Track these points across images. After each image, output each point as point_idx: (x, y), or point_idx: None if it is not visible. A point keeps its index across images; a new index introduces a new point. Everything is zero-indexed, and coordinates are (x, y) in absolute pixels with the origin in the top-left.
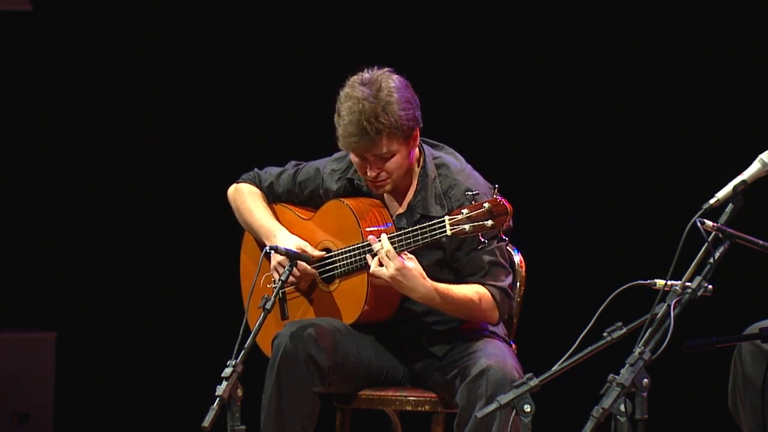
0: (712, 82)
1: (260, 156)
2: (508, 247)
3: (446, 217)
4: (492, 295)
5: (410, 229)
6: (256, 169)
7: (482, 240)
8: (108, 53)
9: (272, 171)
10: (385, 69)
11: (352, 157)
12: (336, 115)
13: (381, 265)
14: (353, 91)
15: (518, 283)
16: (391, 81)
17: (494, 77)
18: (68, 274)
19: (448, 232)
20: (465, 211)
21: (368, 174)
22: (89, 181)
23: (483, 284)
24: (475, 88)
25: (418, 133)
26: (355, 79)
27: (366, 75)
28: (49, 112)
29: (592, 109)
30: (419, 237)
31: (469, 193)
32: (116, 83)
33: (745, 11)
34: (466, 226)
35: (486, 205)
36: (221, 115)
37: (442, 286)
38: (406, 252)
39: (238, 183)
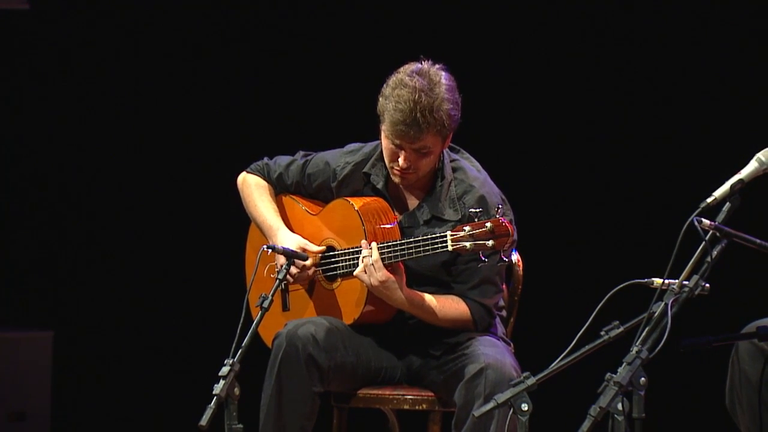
0: (710, 81)
1: (262, 147)
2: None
3: (448, 233)
4: (470, 310)
5: (413, 240)
6: (266, 159)
7: (483, 258)
8: (106, 51)
9: (281, 161)
10: (437, 65)
11: (387, 142)
12: (382, 98)
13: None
14: (410, 80)
15: (515, 282)
16: (445, 79)
17: (492, 76)
18: (65, 273)
19: (450, 248)
20: (467, 228)
21: (399, 163)
22: (87, 179)
23: (465, 297)
24: (474, 87)
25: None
26: (410, 67)
27: (422, 66)
28: (47, 111)
29: (589, 108)
30: (420, 249)
31: (472, 210)
32: (115, 81)
33: (744, 11)
34: (467, 244)
35: (488, 224)
36: (220, 111)
37: (417, 297)
38: (400, 263)
39: (246, 173)
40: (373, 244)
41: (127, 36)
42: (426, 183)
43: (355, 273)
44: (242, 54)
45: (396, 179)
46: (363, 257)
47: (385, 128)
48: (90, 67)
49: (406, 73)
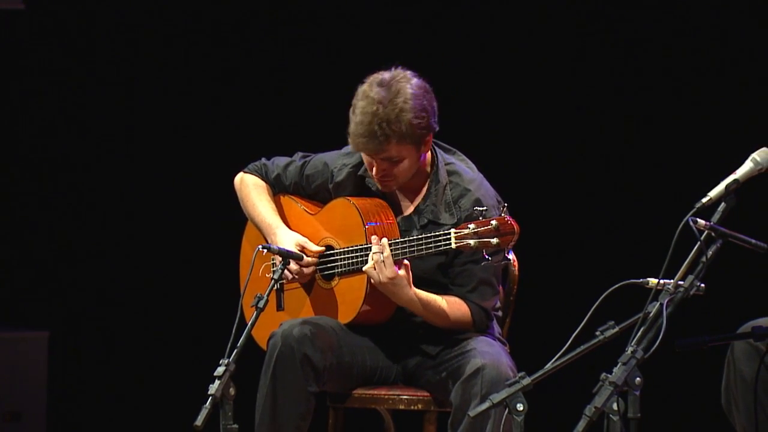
0: (705, 81)
1: (259, 148)
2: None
3: (452, 230)
4: (471, 312)
5: (415, 237)
6: (263, 159)
7: (486, 257)
8: (102, 51)
9: (279, 162)
10: (408, 71)
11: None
12: (351, 111)
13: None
14: (370, 91)
15: (511, 283)
16: (409, 87)
17: (488, 76)
18: (61, 273)
19: (453, 245)
20: (472, 226)
21: (374, 171)
22: (83, 179)
23: (466, 299)
24: (469, 87)
25: (431, 139)
26: (375, 77)
27: (386, 76)
28: (43, 111)
29: (585, 108)
30: (423, 246)
31: (478, 208)
32: (111, 81)
33: (739, 11)
34: (472, 242)
35: (493, 222)
36: (218, 112)
37: (424, 297)
38: (405, 260)
39: (244, 173)
40: (384, 241)
41: (124, 36)
42: (420, 186)
43: (364, 269)
44: (240, 54)
45: (381, 188)
46: (373, 253)
47: (349, 141)
48: (86, 67)
49: (369, 83)
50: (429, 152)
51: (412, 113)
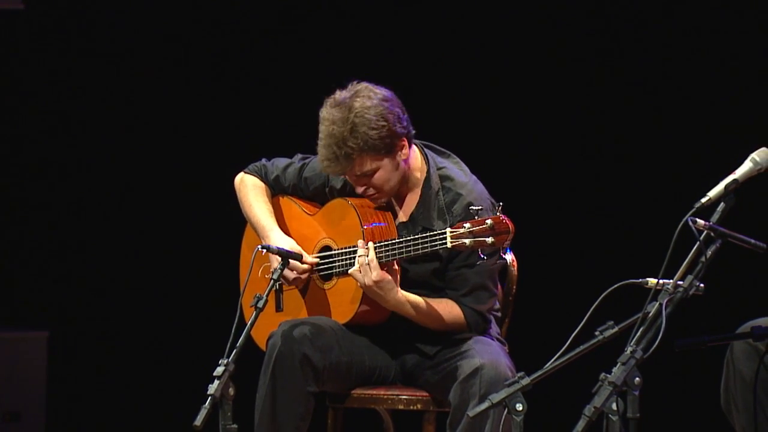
0: (704, 81)
1: (260, 148)
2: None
3: (448, 230)
4: (465, 316)
5: (411, 237)
6: (263, 160)
7: (481, 256)
8: (102, 51)
9: (279, 164)
10: (366, 83)
11: None
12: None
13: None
14: (327, 114)
15: (510, 283)
16: (366, 99)
17: (486, 77)
18: (60, 274)
19: (449, 245)
20: (467, 225)
21: (356, 190)
22: (82, 179)
23: (460, 303)
24: (468, 88)
25: (406, 143)
26: (331, 99)
27: (340, 95)
28: (42, 111)
29: (583, 108)
30: (419, 246)
31: (473, 208)
32: (111, 81)
33: (738, 11)
34: (467, 241)
35: (488, 221)
36: (219, 112)
37: (413, 300)
38: (395, 262)
39: (244, 173)
40: (370, 244)
41: (124, 36)
42: (412, 193)
43: (349, 271)
44: (241, 53)
45: (372, 202)
46: (359, 256)
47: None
48: (85, 67)
49: (326, 106)
50: (420, 157)
51: (367, 125)
